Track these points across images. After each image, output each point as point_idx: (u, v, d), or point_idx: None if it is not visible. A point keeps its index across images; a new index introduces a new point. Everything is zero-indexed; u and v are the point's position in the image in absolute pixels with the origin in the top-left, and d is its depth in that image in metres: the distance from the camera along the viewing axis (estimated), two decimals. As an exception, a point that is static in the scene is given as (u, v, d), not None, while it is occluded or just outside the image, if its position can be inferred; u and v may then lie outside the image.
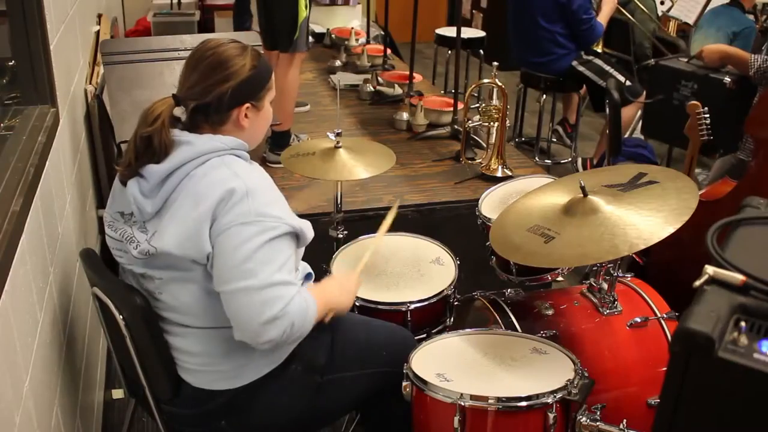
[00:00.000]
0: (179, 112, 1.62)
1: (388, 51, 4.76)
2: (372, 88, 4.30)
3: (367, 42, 5.06)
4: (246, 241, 1.51)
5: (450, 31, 5.12)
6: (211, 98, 1.59)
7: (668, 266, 2.67)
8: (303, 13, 3.14)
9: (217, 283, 1.54)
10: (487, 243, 2.31)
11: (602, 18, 4.29)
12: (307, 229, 1.62)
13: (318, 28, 5.64)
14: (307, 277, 1.82)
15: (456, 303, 2.14)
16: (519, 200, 2.03)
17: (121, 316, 1.64)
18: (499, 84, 3.04)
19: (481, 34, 5.23)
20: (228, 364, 1.63)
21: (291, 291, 1.53)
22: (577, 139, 4.89)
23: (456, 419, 1.59)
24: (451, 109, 3.67)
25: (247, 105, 1.63)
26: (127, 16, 6.21)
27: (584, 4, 4.14)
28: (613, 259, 1.91)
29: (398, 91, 4.26)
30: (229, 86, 1.59)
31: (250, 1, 4.56)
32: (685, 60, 3.33)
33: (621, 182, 1.85)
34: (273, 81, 1.70)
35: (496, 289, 2.20)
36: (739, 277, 1.03)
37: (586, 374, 1.67)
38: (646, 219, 1.67)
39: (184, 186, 1.56)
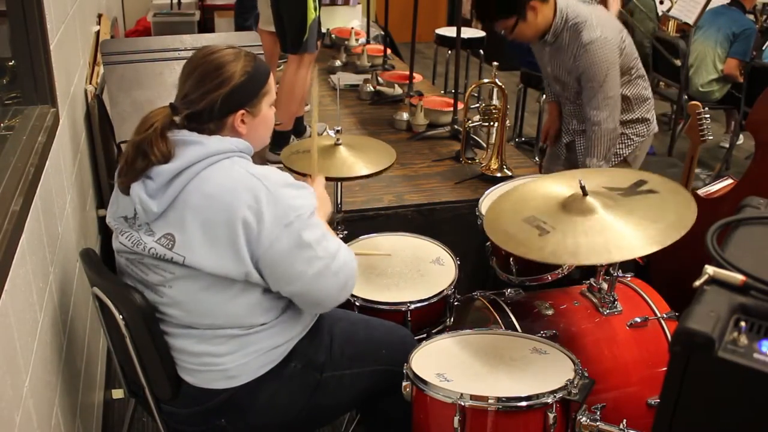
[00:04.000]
0: (178, 120, 1.61)
1: (388, 51, 4.76)
2: (372, 88, 4.30)
3: (367, 42, 5.07)
4: (296, 239, 1.55)
5: (450, 31, 5.13)
6: (203, 106, 1.58)
7: (668, 266, 2.67)
8: (312, 14, 3.14)
9: (282, 285, 1.58)
10: (487, 243, 2.31)
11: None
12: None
13: (318, 28, 5.63)
14: None
15: (456, 303, 2.15)
16: (517, 188, 2.01)
17: (121, 316, 1.64)
18: (499, 84, 3.04)
19: (481, 34, 5.23)
20: (228, 363, 1.63)
21: (344, 251, 1.64)
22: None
23: (456, 419, 1.59)
24: (451, 109, 3.68)
25: (242, 111, 1.62)
26: (127, 16, 6.22)
27: None
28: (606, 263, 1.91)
29: (398, 91, 4.26)
30: (219, 94, 1.58)
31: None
32: None
33: (622, 186, 1.85)
34: (270, 85, 1.68)
35: (496, 289, 2.20)
36: (739, 277, 1.03)
37: (586, 374, 1.67)
38: (640, 230, 1.67)
39: (196, 188, 1.53)
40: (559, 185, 1.92)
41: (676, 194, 1.79)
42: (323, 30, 5.49)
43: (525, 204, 1.89)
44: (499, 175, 3.10)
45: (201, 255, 1.52)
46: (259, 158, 3.24)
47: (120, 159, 1.62)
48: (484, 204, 2.40)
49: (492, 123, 3.11)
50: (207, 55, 1.61)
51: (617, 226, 1.69)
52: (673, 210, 1.71)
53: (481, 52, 5.20)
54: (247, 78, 1.60)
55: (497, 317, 2.01)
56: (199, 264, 1.52)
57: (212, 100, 1.58)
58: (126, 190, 1.57)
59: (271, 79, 1.68)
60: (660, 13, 5.40)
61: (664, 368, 1.04)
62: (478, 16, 2.74)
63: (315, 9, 3.16)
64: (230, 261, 1.52)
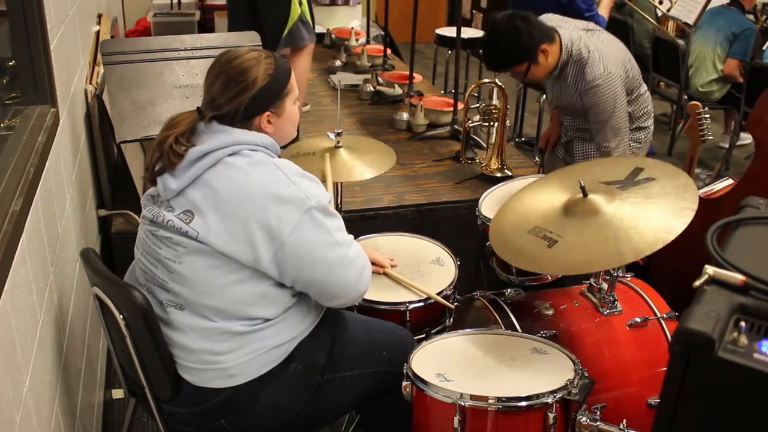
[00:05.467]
0: (204, 123, 1.65)
1: (388, 51, 4.76)
2: (372, 88, 4.30)
3: (367, 42, 5.06)
4: (316, 224, 1.60)
5: (450, 31, 5.12)
6: (228, 110, 1.63)
7: (668, 266, 2.67)
8: (297, 10, 3.11)
9: (305, 273, 1.61)
10: (487, 243, 2.31)
11: (604, 11, 4.27)
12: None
13: (318, 28, 5.62)
14: None
15: (456, 303, 2.14)
16: (515, 197, 2.01)
17: (121, 316, 1.64)
18: (499, 84, 3.04)
19: (481, 34, 5.23)
20: (228, 361, 1.63)
21: (355, 242, 1.72)
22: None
23: (456, 419, 1.59)
24: (451, 109, 3.68)
25: (268, 113, 1.66)
26: (127, 16, 6.21)
27: (586, 2, 4.12)
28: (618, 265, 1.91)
29: (398, 91, 4.26)
30: (244, 99, 1.62)
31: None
32: None
33: (619, 178, 1.85)
34: (292, 84, 1.71)
35: (496, 289, 2.20)
36: (739, 277, 1.03)
37: (586, 374, 1.67)
38: (649, 222, 1.67)
39: (219, 172, 1.59)
40: (557, 190, 1.92)
41: (674, 178, 1.79)
42: (323, 30, 5.50)
43: (527, 216, 1.89)
44: (499, 175, 3.10)
45: (215, 234, 1.57)
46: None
47: (146, 156, 1.66)
48: (484, 204, 2.40)
49: (492, 123, 3.11)
50: (230, 60, 1.65)
51: (624, 223, 1.70)
52: (675, 195, 1.71)
53: (481, 52, 5.19)
54: (270, 80, 1.65)
55: (497, 317, 2.01)
56: (211, 241, 1.57)
57: (237, 104, 1.62)
58: (154, 182, 1.65)
59: (293, 77, 1.72)
60: (660, 13, 5.39)
61: (664, 368, 1.04)
62: (488, 66, 2.72)
63: (299, 4, 3.13)
64: (242, 244, 1.56)
